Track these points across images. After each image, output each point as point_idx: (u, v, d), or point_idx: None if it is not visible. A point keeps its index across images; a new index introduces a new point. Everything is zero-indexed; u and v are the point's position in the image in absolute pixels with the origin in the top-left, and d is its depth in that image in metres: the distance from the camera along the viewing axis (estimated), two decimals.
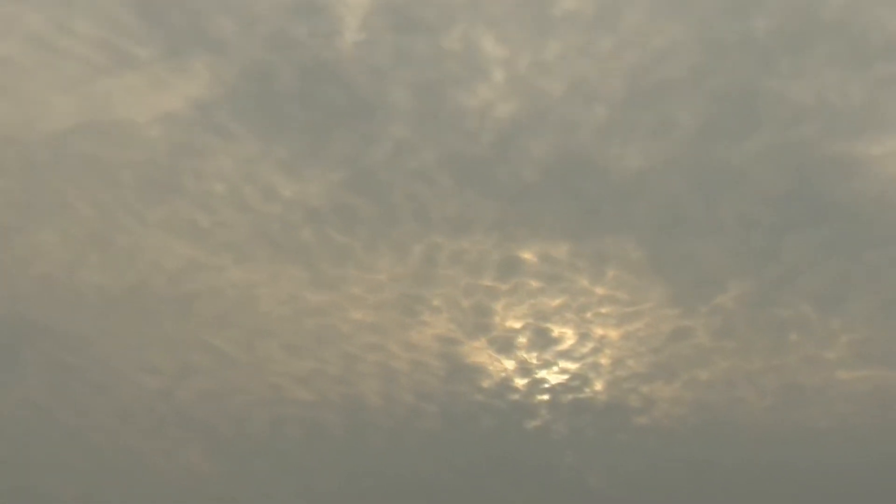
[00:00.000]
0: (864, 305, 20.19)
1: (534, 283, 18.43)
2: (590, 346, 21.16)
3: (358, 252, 16.98)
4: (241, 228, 16.11)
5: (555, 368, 22.00)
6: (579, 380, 22.52)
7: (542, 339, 20.64)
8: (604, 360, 21.62)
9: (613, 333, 20.66)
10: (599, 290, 18.93)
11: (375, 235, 16.66)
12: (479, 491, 27.03)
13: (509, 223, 16.66)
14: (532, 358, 21.39)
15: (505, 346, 20.83)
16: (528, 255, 17.67)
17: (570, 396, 23.22)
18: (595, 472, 26.71)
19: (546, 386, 22.88)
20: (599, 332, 20.49)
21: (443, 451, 25.36)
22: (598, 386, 22.92)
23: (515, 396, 23.01)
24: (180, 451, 25.27)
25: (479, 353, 20.93)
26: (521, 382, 22.57)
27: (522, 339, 20.57)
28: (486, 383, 22.53)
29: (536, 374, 22.19)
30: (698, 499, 26.98)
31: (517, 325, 19.82)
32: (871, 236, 17.85)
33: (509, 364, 21.70)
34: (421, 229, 16.69)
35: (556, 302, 19.18)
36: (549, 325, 20.01)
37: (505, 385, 22.68)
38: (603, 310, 19.66)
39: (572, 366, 21.84)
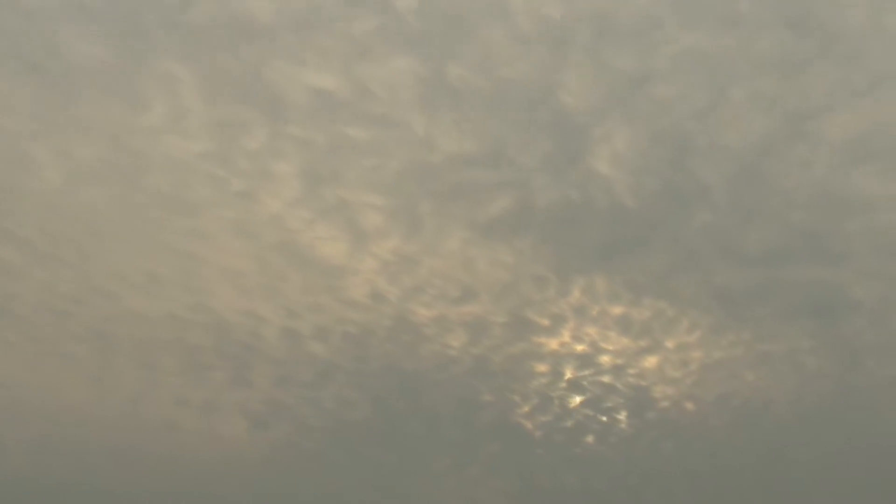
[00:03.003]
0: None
1: (352, 131, 12.60)
2: (457, 234, 15.16)
3: (90, 76, 11.31)
4: None
5: (422, 270, 16.03)
6: (456, 287, 16.50)
7: (394, 225, 14.73)
8: (476, 254, 15.58)
9: (477, 214, 14.65)
10: (442, 143, 13.03)
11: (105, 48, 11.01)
12: (390, 428, 21.02)
13: (277, 31, 10.91)
14: (389, 253, 15.46)
15: (354, 234, 14.96)
16: (328, 84, 11.86)
17: (454, 310, 17.21)
18: (517, 408, 20.58)
19: (424, 297, 16.91)
20: (456, 210, 14.51)
21: (338, 383, 19.50)
22: (485, 298, 16.86)
23: (389, 310, 17.07)
24: (66, 388, 19.74)
25: (329, 246, 15.09)
26: (392, 290, 16.64)
27: (370, 224, 14.68)
28: (355, 292, 16.63)
29: (404, 279, 16.25)
30: (614, 428, 20.67)
31: (352, 198, 13.96)
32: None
33: (371, 263, 15.79)
34: (164, 38, 11.02)
35: (395, 164, 13.29)
36: (391, 201, 14.10)
37: (377, 296, 16.77)
38: (453, 177, 13.73)
39: (440, 264, 15.84)
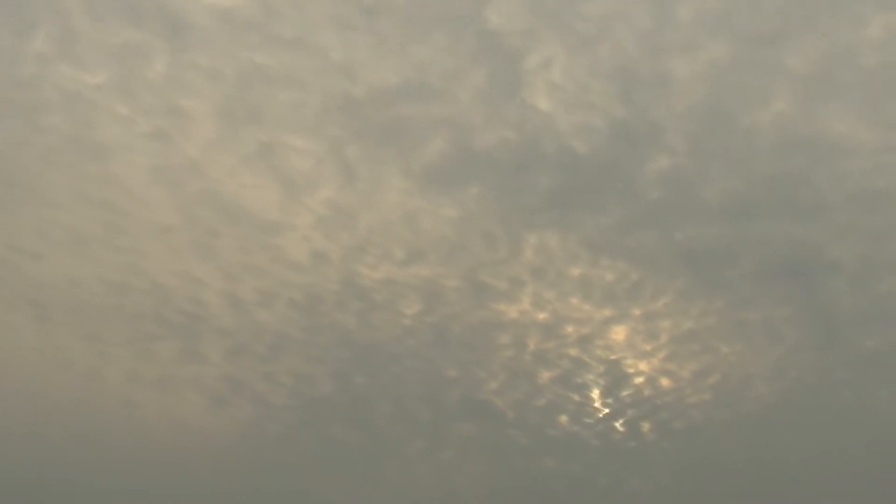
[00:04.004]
0: None
1: (263, 58, 11.04)
2: (393, 184, 13.55)
3: None
4: None
5: (361, 225, 14.42)
6: (400, 245, 14.88)
7: (324, 172, 13.15)
8: (416, 207, 13.95)
9: (412, 160, 13.03)
10: (362, 73, 11.42)
11: None
12: (355, 407, 19.39)
13: None
14: (323, 205, 13.86)
15: (282, 183, 13.41)
16: (228, 0, 10.29)
17: (402, 272, 15.61)
18: (484, 384, 18.90)
19: (367, 258, 15.31)
20: (388, 155, 12.90)
21: (292, 357, 17.92)
22: (433, 258, 15.23)
23: (332, 272, 15.48)
24: (6, 363, 18.29)
25: (257, 196, 13.54)
26: (333, 249, 15.06)
27: (298, 171, 13.12)
28: (293, 251, 15.06)
29: (343, 236, 14.67)
30: (587, 407, 18.94)
31: (274, 140, 12.40)
32: None
33: (306, 217, 14.19)
34: None
35: (315, 99, 11.71)
36: (317, 144, 12.53)
37: (318, 256, 15.18)
38: (380, 114, 12.13)
39: (379, 218, 14.21)
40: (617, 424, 19.73)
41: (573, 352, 17.44)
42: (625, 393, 18.64)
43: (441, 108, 11.51)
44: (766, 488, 21.59)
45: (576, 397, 18.96)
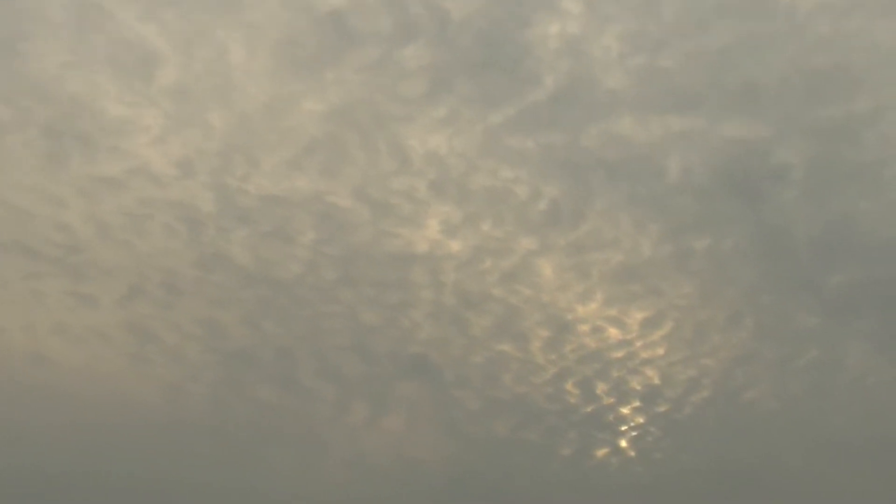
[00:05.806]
0: None
1: None
2: (235, 56, 11.05)
3: None
4: None
5: (217, 125, 11.95)
6: (266, 147, 12.38)
7: (155, 42, 10.68)
8: (275, 95, 11.41)
9: (250, 26, 10.53)
10: None
11: None
12: (278, 363, 16.88)
13: None
14: (165, 95, 11.39)
15: (108, 61, 10.98)
16: None
17: (277, 187, 13.09)
18: (411, 334, 16.31)
19: (235, 169, 12.83)
20: (213, 13, 10.40)
21: (189, 299, 15.50)
22: (308, 167, 12.71)
23: (200, 188, 13.02)
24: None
25: (83, 82, 11.10)
26: (192, 155, 12.60)
27: (121, 43, 10.65)
28: (150, 156, 12.66)
29: (195, 137, 12.20)
30: (531, 364, 16.20)
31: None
32: None
33: (152, 115, 11.76)
34: None
35: None
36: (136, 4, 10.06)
37: (181, 165, 12.75)
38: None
39: (232, 112, 11.72)
40: (567, 386, 16.92)
41: (498, 292, 14.73)
42: (569, 347, 15.84)
43: None
44: (740, 462, 18.62)
45: (517, 353, 16.20)
